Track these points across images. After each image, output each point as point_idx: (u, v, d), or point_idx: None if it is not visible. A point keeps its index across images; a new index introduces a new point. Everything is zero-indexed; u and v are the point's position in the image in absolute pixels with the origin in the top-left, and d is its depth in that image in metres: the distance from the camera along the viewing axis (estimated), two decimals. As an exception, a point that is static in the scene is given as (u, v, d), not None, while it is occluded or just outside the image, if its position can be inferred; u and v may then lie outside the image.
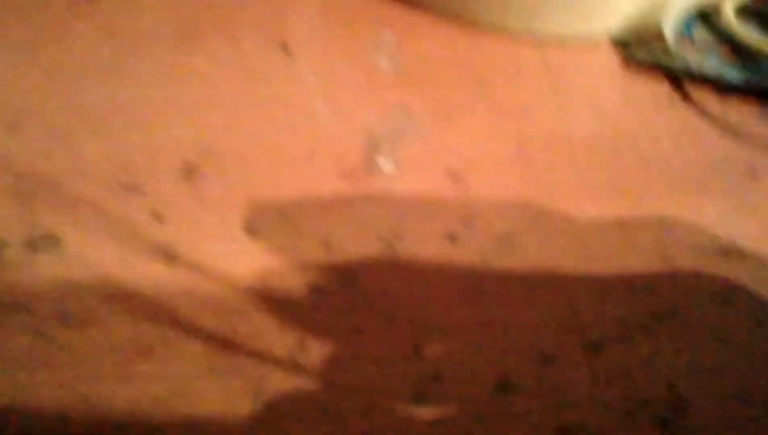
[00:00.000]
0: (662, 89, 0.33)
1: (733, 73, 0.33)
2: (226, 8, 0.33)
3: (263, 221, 0.27)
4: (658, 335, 0.26)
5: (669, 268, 0.28)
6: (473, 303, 0.26)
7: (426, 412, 0.24)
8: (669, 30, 0.33)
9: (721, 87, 0.33)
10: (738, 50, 0.33)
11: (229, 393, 0.23)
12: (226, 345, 0.24)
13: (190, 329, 0.24)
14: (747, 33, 0.31)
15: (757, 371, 0.26)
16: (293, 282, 0.26)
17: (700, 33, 0.34)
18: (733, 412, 0.25)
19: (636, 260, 0.28)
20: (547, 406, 0.24)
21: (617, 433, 0.24)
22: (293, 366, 0.24)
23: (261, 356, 0.24)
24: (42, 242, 0.25)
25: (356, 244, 0.27)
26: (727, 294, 0.27)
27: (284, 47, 0.32)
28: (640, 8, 0.33)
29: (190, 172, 0.28)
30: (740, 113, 0.32)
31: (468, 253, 0.27)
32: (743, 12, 0.34)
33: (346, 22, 0.34)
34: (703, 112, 0.32)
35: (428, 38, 0.34)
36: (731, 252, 0.28)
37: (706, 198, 0.30)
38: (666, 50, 0.33)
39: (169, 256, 0.26)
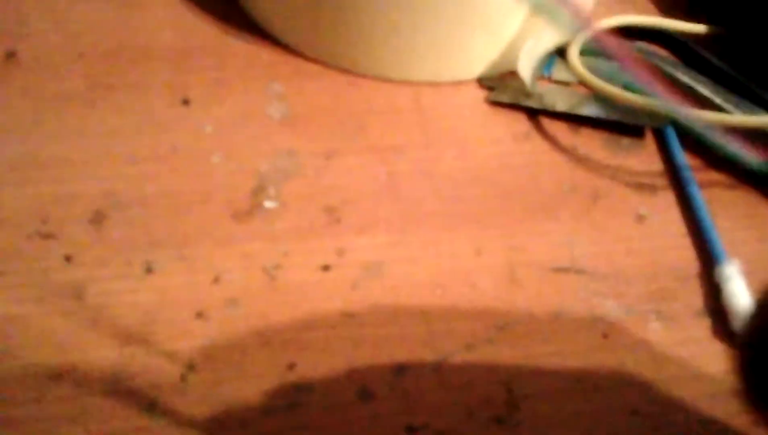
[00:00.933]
0: (521, 126, 0.37)
1: (583, 108, 0.37)
2: (135, 67, 0.38)
3: (161, 261, 0.31)
4: (499, 345, 0.30)
5: (515, 285, 0.32)
6: (343, 324, 0.31)
7: (296, 419, 0.28)
8: (525, 72, 0.37)
9: (574, 120, 0.37)
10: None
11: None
12: (124, 369, 0.28)
13: (94, 357, 0.28)
14: (587, 75, 0.36)
15: (585, 368, 0.30)
16: (184, 313, 0.30)
17: (559, 71, 0.39)
18: (562, 405, 0.29)
19: (486, 280, 0.32)
20: (399, 410, 0.29)
21: (457, 428, 0.28)
22: (181, 387, 0.28)
23: (154, 380, 0.28)
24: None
25: (242, 277, 0.31)
26: (557, 309, 0.32)
27: (186, 102, 0.37)
28: (502, 53, 0.38)
29: (99, 218, 0.32)
30: (589, 144, 0.37)
31: (340, 281, 0.32)
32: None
33: (240, 75, 0.38)
34: (556, 145, 0.37)
35: (315, 87, 0.38)
36: (570, 269, 0.33)
37: (554, 222, 0.34)
38: (524, 90, 0.37)
39: (77, 294, 0.30)
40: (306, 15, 0.38)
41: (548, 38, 0.38)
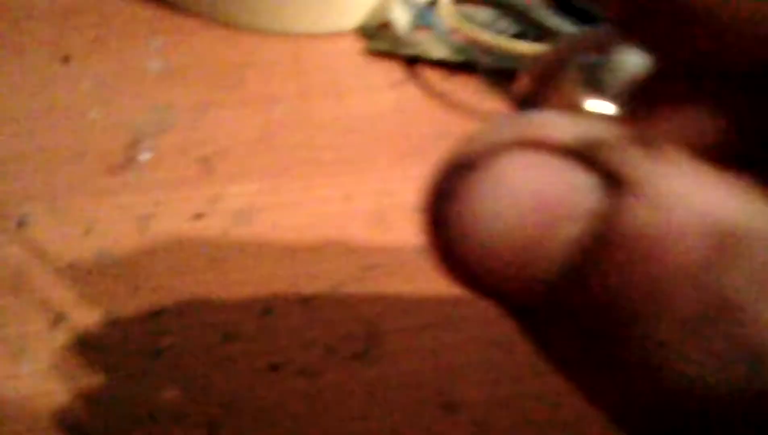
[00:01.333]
0: (397, 74, 0.38)
1: (458, 55, 0.38)
2: (15, 27, 0.38)
3: (35, 215, 0.32)
4: (365, 284, 0.31)
5: (383, 227, 0.33)
6: (213, 270, 0.31)
7: (161, 364, 0.29)
8: (400, 21, 0.38)
9: (450, 67, 0.38)
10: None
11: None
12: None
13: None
14: (459, 23, 0.37)
15: (448, 302, 0.31)
16: (58, 264, 0.31)
17: (437, 20, 0.39)
18: (422, 340, 0.30)
19: (355, 223, 0.33)
20: (263, 349, 0.30)
21: (319, 363, 0.29)
22: (50, 335, 0.29)
23: (23, 329, 0.29)
24: None
25: (115, 228, 0.32)
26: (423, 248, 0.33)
27: (65, 59, 0.37)
28: (379, 3, 0.38)
29: (-26, 176, 0.33)
30: (463, 89, 0.38)
31: (211, 229, 0.32)
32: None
33: (120, 32, 0.38)
34: (431, 91, 0.37)
35: (194, 41, 0.38)
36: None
37: (425, 165, 0.35)
38: (401, 39, 0.38)
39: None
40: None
41: (420, -13, 0.39)
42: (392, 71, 0.38)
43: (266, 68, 0.38)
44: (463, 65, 0.38)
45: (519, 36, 0.39)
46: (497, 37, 0.36)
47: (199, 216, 0.33)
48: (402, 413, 0.29)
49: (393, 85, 0.38)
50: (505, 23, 0.39)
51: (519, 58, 0.37)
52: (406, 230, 0.33)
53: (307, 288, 0.31)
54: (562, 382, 0.26)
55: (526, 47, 0.36)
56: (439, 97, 0.37)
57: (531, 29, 0.39)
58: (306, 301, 0.31)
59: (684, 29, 0.13)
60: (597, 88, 0.14)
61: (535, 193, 0.12)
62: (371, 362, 0.30)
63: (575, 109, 0.14)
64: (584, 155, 0.12)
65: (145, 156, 0.34)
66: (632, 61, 0.14)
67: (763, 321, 0.11)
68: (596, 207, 0.12)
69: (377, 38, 0.39)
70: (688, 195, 0.11)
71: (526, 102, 0.16)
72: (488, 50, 0.37)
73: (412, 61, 0.38)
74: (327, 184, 0.34)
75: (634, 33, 0.13)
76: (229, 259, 0.32)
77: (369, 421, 0.29)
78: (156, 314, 0.30)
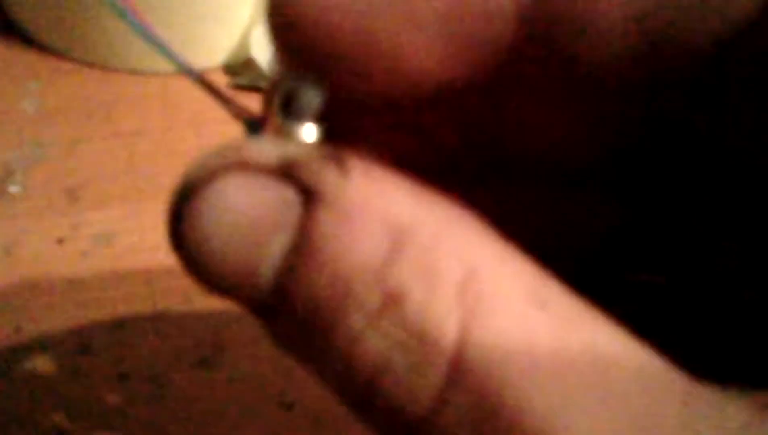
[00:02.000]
0: (256, 106, 0.41)
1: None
2: None
3: None
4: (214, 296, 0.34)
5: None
6: (70, 290, 0.34)
7: (17, 377, 0.31)
8: (259, 56, 0.40)
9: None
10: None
11: None
12: None
13: None
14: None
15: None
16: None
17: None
18: (266, 346, 0.33)
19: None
20: (113, 361, 0.32)
21: (167, 371, 0.32)
22: None
23: None
24: None
25: (-20, 255, 0.34)
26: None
27: (-56, 102, 0.39)
28: (239, 41, 0.41)
29: None
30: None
31: (72, 252, 0.35)
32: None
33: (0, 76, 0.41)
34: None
35: (69, 83, 0.41)
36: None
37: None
38: (261, 73, 0.41)
39: None
40: (57, 16, 0.41)
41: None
42: (255, 103, 0.41)
43: (134, 104, 0.40)
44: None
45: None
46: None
47: (60, 241, 0.35)
48: (244, 413, 0.31)
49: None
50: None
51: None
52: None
53: (160, 302, 0.33)
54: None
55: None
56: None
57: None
58: (158, 315, 0.33)
59: (322, 64, 0.15)
60: (297, 111, 0.16)
61: (247, 210, 0.14)
62: (216, 368, 0.32)
63: (282, 131, 0.16)
64: (285, 173, 0.14)
65: (14, 188, 0.36)
66: (315, 88, 0.16)
67: (421, 304, 0.13)
68: (296, 219, 0.14)
69: (240, 74, 0.41)
70: (368, 201, 0.13)
71: (253, 125, 0.18)
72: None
73: (273, 94, 0.41)
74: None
75: (294, 63, 0.16)
76: (87, 279, 0.34)
77: (212, 422, 0.31)
78: (15, 331, 0.32)
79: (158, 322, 0.33)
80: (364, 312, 0.13)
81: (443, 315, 0.13)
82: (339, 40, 0.14)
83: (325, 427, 0.31)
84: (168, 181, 0.37)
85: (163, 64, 0.41)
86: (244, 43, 0.41)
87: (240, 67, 0.42)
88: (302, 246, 0.13)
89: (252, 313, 0.15)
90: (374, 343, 0.13)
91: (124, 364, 0.32)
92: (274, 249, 0.14)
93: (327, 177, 0.14)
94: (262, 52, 0.41)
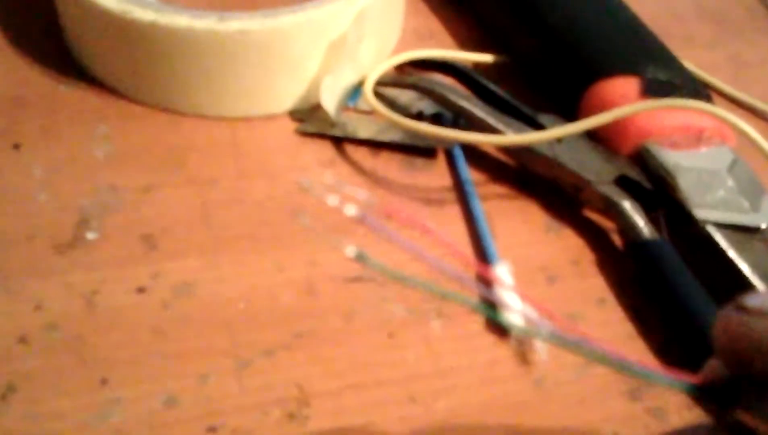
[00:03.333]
0: (326, 153, 0.41)
1: (382, 135, 0.41)
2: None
3: (-13, 293, 0.34)
4: (295, 350, 0.34)
5: (312, 297, 0.35)
6: (153, 341, 0.33)
7: (107, 431, 0.31)
8: (328, 103, 0.40)
9: (375, 146, 0.41)
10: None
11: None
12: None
13: None
14: (378, 105, 0.39)
15: (370, 363, 0.33)
16: (7, 339, 0.32)
17: (363, 102, 0.42)
18: (348, 399, 0.32)
19: (287, 293, 0.35)
20: (201, 413, 0.31)
21: (253, 424, 0.31)
22: (2, 407, 0.31)
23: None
24: None
25: (62, 304, 0.34)
26: (349, 314, 0.35)
27: (16, 146, 0.39)
28: (307, 88, 0.41)
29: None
30: (387, 166, 0.41)
31: (153, 302, 0.34)
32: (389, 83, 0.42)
33: (70, 120, 0.40)
34: (358, 168, 0.40)
35: (138, 127, 0.41)
36: (362, 278, 0.36)
37: (350, 238, 0.38)
38: (329, 120, 0.41)
39: None
40: (127, 61, 0.40)
41: (347, 74, 0.41)
42: (322, 150, 0.41)
43: (205, 150, 0.40)
44: (386, 144, 0.41)
45: (437, 117, 0.42)
46: (412, 120, 0.39)
47: (141, 290, 0.34)
48: (329, 468, 0.31)
49: (323, 163, 0.40)
50: (425, 105, 0.42)
51: (435, 137, 0.40)
52: (333, 298, 0.35)
53: (242, 355, 0.33)
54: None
55: (441, 130, 0.38)
56: (365, 173, 0.40)
57: (449, 111, 0.41)
58: (241, 368, 0.33)
59: None
60: None
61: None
62: (302, 421, 0.32)
63: None
64: None
65: (91, 235, 0.36)
66: None
67: None
68: None
69: (308, 120, 0.41)
70: None
71: None
72: (407, 130, 0.40)
73: (340, 141, 0.41)
74: (261, 259, 0.36)
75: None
76: (168, 330, 0.34)
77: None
78: (102, 383, 0.32)
79: (241, 374, 0.32)
80: None
81: None
82: None
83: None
84: (242, 230, 0.37)
85: (232, 109, 0.41)
86: (311, 90, 0.41)
87: (307, 113, 0.42)
88: None
89: None
90: None
91: (211, 418, 0.31)
92: None
93: None
94: (330, 98, 0.41)
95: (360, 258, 0.22)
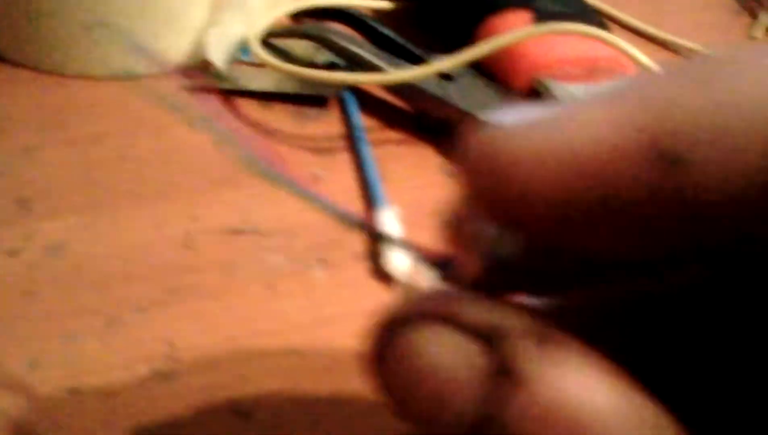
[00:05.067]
0: (215, 107, 0.38)
1: (271, 86, 0.38)
2: None
3: None
4: (169, 305, 0.31)
5: (190, 251, 0.33)
6: (22, 303, 0.31)
7: None
8: (215, 57, 0.38)
9: (265, 98, 0.39)
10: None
11: None
12: None
13: None
14: (265, 56, 0.37)
15: (247, 317, 0.31)
16: None
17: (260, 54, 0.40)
18: (220, 355, 0.30)
19: (164, 249, 0.33)
20: (64, 375, 0.29)
21: (117, 383, 0.29)
22: None
23: None
24: None
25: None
26: (228, 268, 0.33)
27: None
28: (194, 43, 0.39)
29: None
30: (278, 118, 0.38)
31: (24, 264, 0.32)
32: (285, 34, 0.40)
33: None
34: (247, 121, 0.38)
35: (23, 91, 0.38)
36: (244, 230, 0.34)
37: (235, 191, 0.35)
38: (219, 75, 0.38)
39: None
40: (6, 23, 0.38)
41: (236, 26, 0.39)
42: (211, 105, 0.38)
43: (90, 110, 0.38)
44: (278, 96, 0.39)
45: (331, 66, 0.39)
46: (297, 66, 0.36)
47: (12, 253, 0.32)
48: (197, 424, 0.29)
49: (211, 118, 0.38)
50: (320, 55, 0.40)
51: (330, 86, 0.38)
52: (212, 252, 0.33)
53: (112, 312, 0.31)
54: (350, 386, 0.26)
55: (325, 73, 0.36)
56: (255, 126, 0.38)
57: (343, 60, 0.39)
58: (109, 326, 0.31)
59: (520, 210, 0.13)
60: (495, 260, 0.15)
61: (438, 369, 0.13)
62: (170, 378, 0.29)
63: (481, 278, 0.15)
64: (485, 338, 0.13)
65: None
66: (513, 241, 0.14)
67: None
68: (485, 391, 0.13)
69: (197, 76, 0.39)
70: (565, 391, 0.12)
71: (441, 264, 0.16)
72: (301, 80, 0.38)
73: (230, 95, 0.39)
74: (140, 215, 0.34)
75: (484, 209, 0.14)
76: (39, 291, 0.31)
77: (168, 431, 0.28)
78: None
79: (109, 332, 0.30)
80: None
81: None
82: (537, 208, 0.13)
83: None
84: (124, 187, 0.34)
85: (118, 68, 0.39)
86: (198, 46, 0.39)
87: (195, 69, 0.39)
88: (491, 421, 0.13)
89: None
90: None
91: (74, 379, 0.29)
92: (455, 413, 0.13)
93: (528, 359, 0.13)
94: (217, 53, 0.38)
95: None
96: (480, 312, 0.14)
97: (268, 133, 0.37)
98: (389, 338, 0.14)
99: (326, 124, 0.38)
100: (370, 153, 0.36)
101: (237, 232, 0.34)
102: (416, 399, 0.13)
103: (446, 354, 0.13)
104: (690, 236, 0.13)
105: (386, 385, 0.14)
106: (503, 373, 0.13)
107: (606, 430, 0.12)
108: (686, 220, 0.13)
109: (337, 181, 0.36)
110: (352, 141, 0.37)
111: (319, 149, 0.37)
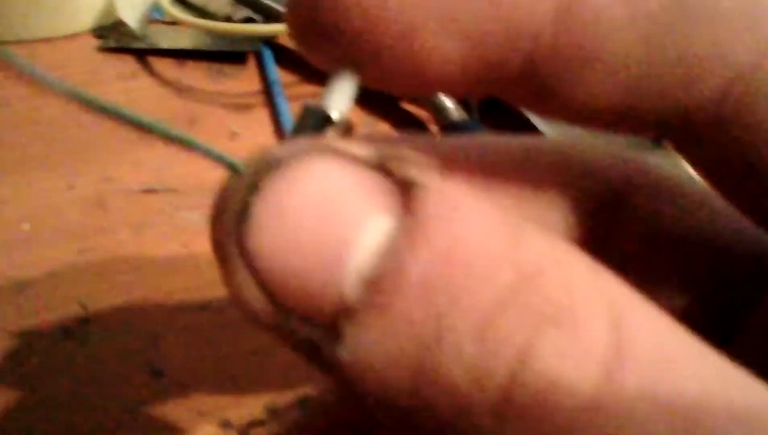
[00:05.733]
0: (128, 67, 0.37)
1: (186, 43, 0.37)
2: None
3: None
4: (80, 267, 0.30)
5: (101, 211, 0.32)
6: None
7: None
8: (128, 17, 0.37)
9: (181, 56, 0.38)
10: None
11: None
12: None
13: None
14: (176, 12, 0.36)
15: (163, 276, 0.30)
16: None
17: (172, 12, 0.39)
18: (132, 315, 0.29)
19: (75, 210, 0.32)
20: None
21: (31, 344, 0.28)
22: None
23: None
24: None
25: None
26: (141, 227, 0.32)
27: None
28: (109, 3, 0.38)
29: None
30: (193, 75, 0.37)
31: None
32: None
33: None
34: (161, 80, 0.37)
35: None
36: (158, 190, 0.33)
37: (149, 150, 0.34)
38: (133, 34, 0.37)
39: None
40: None
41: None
42: (124, 64, 0.37)
43: (-1, 74, 0.36)
44: (193, 54, 0.38)
45: (248, 21, 0.38)
46: (209, 21, 0.35)
47: None
48: (112, 384, 0.28)
49: (123, 77, 0.37)
50: (237, 12, 0.39)
51: (248, 40, 0.37)
52: (125, 212, 0.32)
53: (22, 277, 0.30)
54: (261, 340, 0.25)
55: (249, 28, 0.35)
56: (169, 84, 0.37)
57: (259, 15, 0.38)
58: (20, 290, 0.30)
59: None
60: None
61: (339, 192, 0.11)
62: (81, 339, 0.29)
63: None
64: (379, 165, 0.11)
65: None
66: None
67: (561, 280, 0.11)
68: (398, 204, 0.11)
69: (110, 36, 0.38)
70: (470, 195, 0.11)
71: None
72: (218, 38, 0.37)
73: (145, 53, 0.38)
74: (51, 178, 0.33)
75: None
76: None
77: (79, 396, 0.28)
78: None
79: (22, 296, 0.29)
80: (494, 289, 0.11)
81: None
82: (371, 30, 0.13)
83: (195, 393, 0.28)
84: (33, 150, 0.33)
85: (30, 32, 0.37)
86: (111, 6, 0.38)
87: (109, 29, 0.38)
88: (411, 229, 0.11)
89: (306, 343, 0.11)
90: (513, 321, 0.10)
91: (-17, 343, 0.28)
92: (370, 235, 0.11)
93: (425, 173, 0.11)
94: (130, 12, 0.37)
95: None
96: (363, 147, 0.11)
97: (184, 91, 0.36)
98: (268, 171, 0.11)
99: (243, 81, 0.37)
100: (287, 107, 0.35)
101: (151, 190, 0.33)
102: (306, 238, 0.10)
103: (341, 177, 0.11)
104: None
105: (247, 255, 0.11)
106: (404, 192, 0.11)
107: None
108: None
109: (255, 137, 0.35)
110: (269, 96, 0.36)
111: (236, 106, 0.36)
